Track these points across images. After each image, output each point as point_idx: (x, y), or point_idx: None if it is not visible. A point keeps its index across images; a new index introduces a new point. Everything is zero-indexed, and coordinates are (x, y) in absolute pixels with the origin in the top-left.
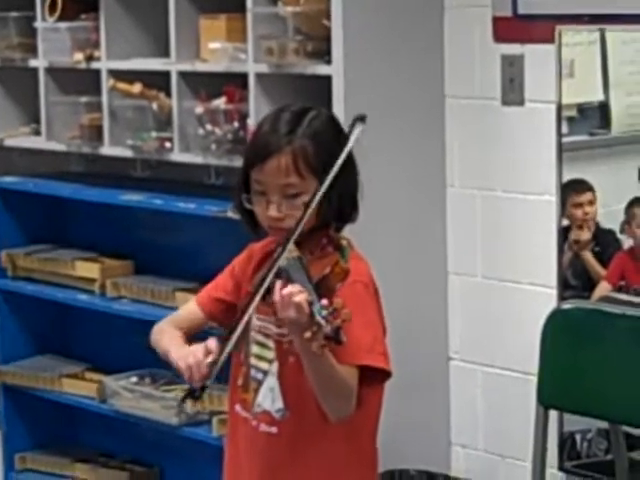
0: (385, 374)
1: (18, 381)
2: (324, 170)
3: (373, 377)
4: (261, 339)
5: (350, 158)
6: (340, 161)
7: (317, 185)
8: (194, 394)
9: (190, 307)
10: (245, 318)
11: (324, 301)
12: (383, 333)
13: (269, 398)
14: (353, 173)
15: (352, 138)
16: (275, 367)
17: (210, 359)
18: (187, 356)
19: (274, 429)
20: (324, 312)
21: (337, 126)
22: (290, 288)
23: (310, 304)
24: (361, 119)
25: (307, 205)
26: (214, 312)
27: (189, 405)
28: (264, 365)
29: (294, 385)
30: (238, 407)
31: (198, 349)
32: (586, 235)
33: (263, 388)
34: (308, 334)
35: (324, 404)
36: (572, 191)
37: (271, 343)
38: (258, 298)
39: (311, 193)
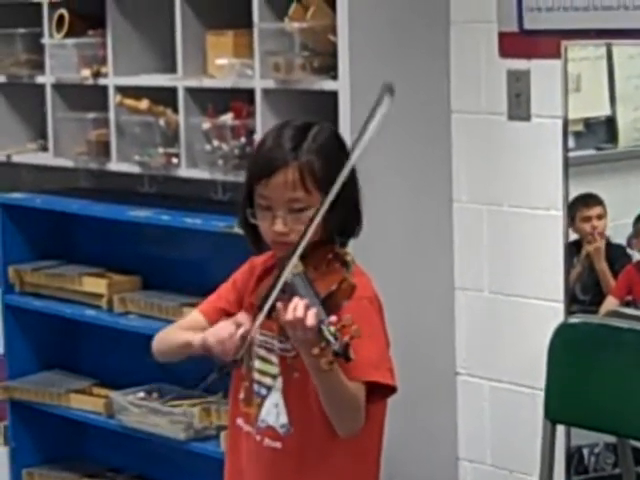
0: (390, 390)
1: (26, 396)
2: (330, 185)
3: (378, 392)
4: (264, 354)
5: (352, 172)
6: (353, 160)
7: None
8: (225, 369)
9: (193, 316)
10: (257, 323)
11: (333, 317)
12: (387, 347)
13: (273, 413)
14: (356, 186)
15: (380, 112)
16: (279, 383)
17: (241, 331)
18: (217, 331)
19: (278, 444)
20: (332, 328)
21: (340, 140)
22: (300, 309)
23: (318, 320)
24: (389, 90)
25: (312, 217)
26: (218, 321)
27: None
28: (268, 380)
29: (298, 400)
30: (240, 421)
31: (227, 322)
32: (597, 245)
33: (267, 403)
34: (316, 350)
35: (333, 420)
36: (582, 205)
37: (274, 358)
38: (265, 312)
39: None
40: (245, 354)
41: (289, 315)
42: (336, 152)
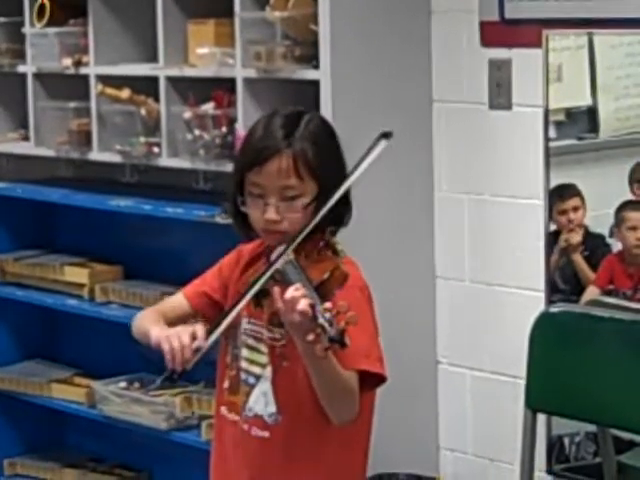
0: (379, 379)
1: (7, 386)
2: (323, 173)
3: (368, 382)
4: (252, 343)
5: (342, 161)
6: (359, 173)
7: (317, 189)
8: (172, 377)
9: (177, 298)
10: (234, 311)
11: (328, 304)
12: (377, 336)
13: (262, 402)
14: (346, 175)
15: (375, 152)
16: (269, 371)
17: (195, 344)
18: (172, 337)
19: (266, 433)
20: (328, 315)
21: (331, 129)
22: (293, 292)
23: (312, 306)
24: (386, 135)
25: (317, 211)
26: (201, 305)
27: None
28: (256, 369)
29: (288, 389)
30: (224, 409)
31: (184, 331)
32: (576, 238)
33: (255, 392)
34: (311, 337)
35: (328, 408)
36: (557, 198)
37: (263, 347)
38: (250, 295)
39: (309, 196)
40: (229, 343)
41: (287, 295)
42: (328, 140)
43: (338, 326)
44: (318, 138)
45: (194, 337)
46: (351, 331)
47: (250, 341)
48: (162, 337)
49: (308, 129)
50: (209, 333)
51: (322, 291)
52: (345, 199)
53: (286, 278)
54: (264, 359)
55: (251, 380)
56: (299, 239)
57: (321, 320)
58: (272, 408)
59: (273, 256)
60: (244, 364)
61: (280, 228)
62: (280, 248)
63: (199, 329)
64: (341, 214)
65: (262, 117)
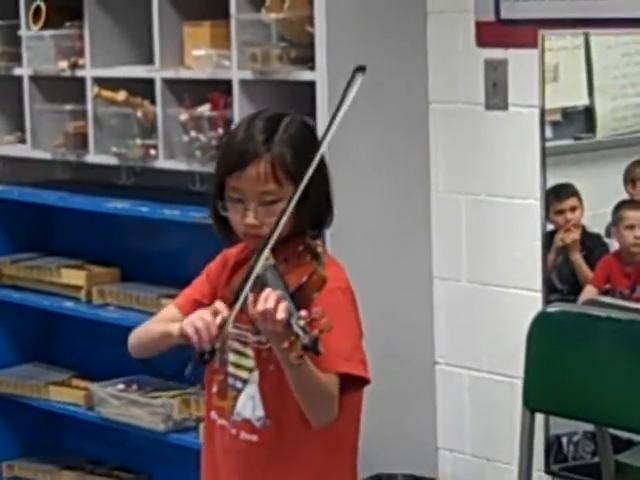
0: (363, 381)
1: (5, 389)
2: (301, 177)
3: (352, 384)
4: (239, 347)
5: (322, 163)
6: (342, 112)
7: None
8: (203, 358)
9: (169, 310)
10: (233, 314)
11: (303, 312)
12: (360, 338)
13: (249, 406)
14: (326, 179)
15: (353, 89)
16: (255, 375)
17: (219, 320)
18: (194, 320)
19: (255, 437)
20: (302, 322)
21: (311, 131)
22: (264, 303)
23: (288, 314)
24: (361, 69)
25: (283, 210)
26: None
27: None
28: (243, 373)
29: (274, 393)
30: (213, 414)
31: (204, 311)
32: (571, 236)
33: (243, 396)
34: (285, 344)
35: (306, 410)
36: (553, 198)
37: (249, 351)
38: (239, 306)
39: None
40: (221, 345)
41: (260, 306)
42: (307, 143)
43: (312, 334)
44: (297, 141)
45: (216, 313)
46: (333, 334)
47: (237, 345)
48: (184, 324)
49: (287, 132)
50: (231, 307)
51: (300, 296)
52: (326, 202)
53: (264, 284)
54: (251, 363)
55: (238, 384)
56: (272, 241)
57: (295, 328)
58: (260, 412)
59: (252, 261)
60: (231, 369)
61: (260, 232)
62: (257, 253)
63: (219, 305)
64: (322, 216)
65: (244, 119)
